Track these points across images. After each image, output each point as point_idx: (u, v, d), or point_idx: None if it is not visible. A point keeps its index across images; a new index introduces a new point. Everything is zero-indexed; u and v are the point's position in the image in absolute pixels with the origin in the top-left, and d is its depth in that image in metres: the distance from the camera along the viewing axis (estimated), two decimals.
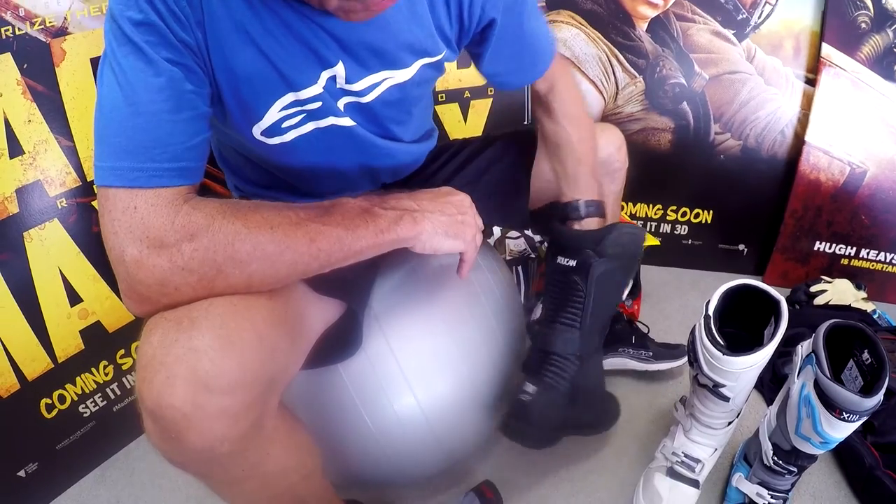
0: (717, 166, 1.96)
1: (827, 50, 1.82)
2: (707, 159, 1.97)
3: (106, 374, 1.55)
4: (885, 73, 1.83)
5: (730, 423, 1.38)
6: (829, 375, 1.11)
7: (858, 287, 1.89)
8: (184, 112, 0.73)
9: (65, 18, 1.35)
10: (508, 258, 1.77)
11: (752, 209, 2.00)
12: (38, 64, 1.32)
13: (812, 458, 1.27)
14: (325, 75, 0.87)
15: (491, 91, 1.90)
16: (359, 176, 1.08)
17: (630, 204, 2.05)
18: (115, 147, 0.71)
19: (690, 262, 2.10)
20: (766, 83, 1.89)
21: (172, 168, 0.72)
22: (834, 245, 1.97)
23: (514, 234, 1.79)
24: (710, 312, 1.23)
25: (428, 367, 1.13)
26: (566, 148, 1.18)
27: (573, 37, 1.90)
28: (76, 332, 1.48)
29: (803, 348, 1.17)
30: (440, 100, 1.89)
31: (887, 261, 1.96)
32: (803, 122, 1.89)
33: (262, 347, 0.73)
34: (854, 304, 1.84)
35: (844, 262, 1.98)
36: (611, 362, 1.66)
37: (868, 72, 1.83)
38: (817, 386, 1.13)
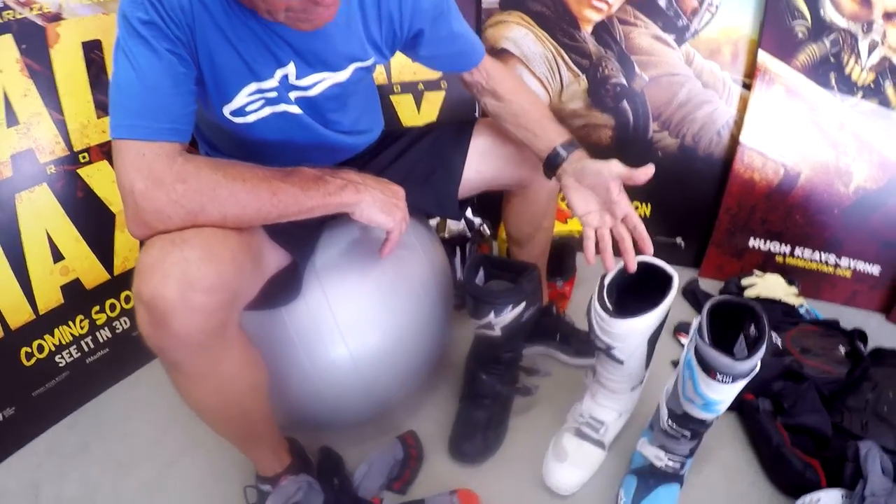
0: (656, 162, 1.82)
1: (763, 57, 1.77)
2: (646, 155, 1.93)
3: (82, 328, 1.58)
4: (820, 81, 1.77)
5: (633, 389, 1.36)
6: (707, 341, 1.09)
7: (790, 283, 1.82)
8: (180, 88, 0.90)
9: (59, 5, 1.42)
10: (447, 237, 1.74)
11: (689, 204, 1.95)
12: (34, 45, 1.39)
13: (701, 423, 1.23)
14: (279, 72, 1.01)
15: (444, 84, 1.89)
16: (305, 155, 1.15)
17: None
18: (130, 110, 0.86)
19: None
20: (704, 86, 1.84)
21: (172, 128, 0.88)
22: (769, 242, 1.90)
23: None
24: (606, 282, 1.22)
25: (359, 321, 1.19)
26: (523, 115, 1.24)
27: (522, 36, 1.88)
28: (57, 287, 1.52)
29: (695, 322, 1.14)
30: (395, 90, 1.89)
31: (821, 260, 1.88)
32: (739, 124, 1.84)
33: (234, 264, 0.89)
34: (784, 299, 1.77)
35: (779, 259, 1.91)
36: (536, 350, 1.64)
37: (804, 79, 1.77)
38: (698, 352, 1.11)
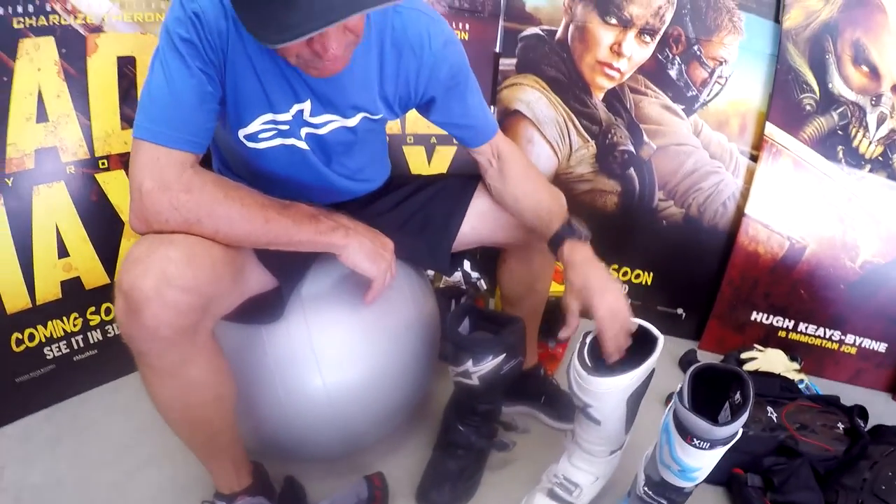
0: (660, 231, 1.90)
1: (770, 129, 1.76)
2: (650, 224, 1.92)
3: (74, 325, 1.59)
4: (828, 154, 1.75)
5: (612, 454, 1.31)
6: (686, 405, 1.05)
7: (793, 359, 1.76)
8: (204, 105, 0.95)
9: (102, 18, 1.48)
10: (442, 287, 1.72)
11: (691, 275, 1.92)
12: (73, 51, 1.46)
13: (679, 492, 1.18)
14: (296, 107, 1.05)
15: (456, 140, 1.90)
16: (306, 190, 1.18)
17: None
18: (155, 116, 0.92)
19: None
20: (711, 157, 1.84)
21: (190, 140, 0.93)
22: (771, 316, 1.85)
23: None
24: (588, 339, 1.20)
25: (337, 354, 1.19)
26: (524, 200, 1.26)
27: (536, 99, 1.90)
28: (58, 281, 1.54)
29: (679, 387, 1.11)
30: (408, 141, 1.91)
31: (826, 336, 1.82)
32: (745, 195, 1.82)
33: (213, 272, 0.92)
34: (783, 374, 1.70)
35: (782, 334, 1.85)
36: (519, 409, 1.59)
37: (811, 152, 1.76)
38: (676, 415, 1.07)
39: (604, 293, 1.13)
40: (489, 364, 1.24)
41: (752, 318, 1.87)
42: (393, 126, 1.88)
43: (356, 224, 1.11)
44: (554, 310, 1.72)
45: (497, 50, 1.90)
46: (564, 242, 1.18)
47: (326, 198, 1.25)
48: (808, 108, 1.74)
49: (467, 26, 1.86)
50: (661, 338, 1.17)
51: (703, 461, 1.08)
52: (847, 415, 1.55)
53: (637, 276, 1.95)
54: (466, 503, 1.36)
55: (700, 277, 1.91)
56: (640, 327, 1.19)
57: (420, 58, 1.09)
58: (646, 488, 1.19)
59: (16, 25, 1.35)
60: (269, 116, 1.05)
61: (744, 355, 1.76)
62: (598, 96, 1.86)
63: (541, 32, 1.86)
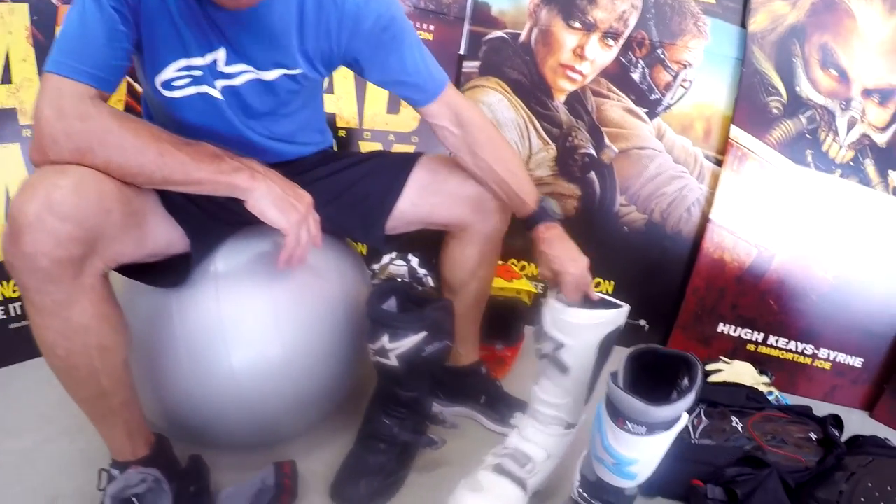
0: (621, 237, 1.75)
1: (736, 132, 1.64)
2: (611, 230, 1.78)
3: (14, 292, 1.51)
4: (796, 158, 1.64)
5: (567, 430, 1.15)
6: (619, 385, 0.91)
7: (763, 373, 1.56)
8: (112, 42, 0.91)
9: None
10: (384, 278, 1.57)
11: (655, 284, 1.76)
12: (44, 19, 1.44)
13: (618, 495, 1.01)
14: (210, 55, 1.00)
15: (415, 139, 1.79)
16: (228, 148, 1.07)
17: (532, 265, 1.81)
18: (63, 49, 0.89)
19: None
20: (675, 161, 1.72)
21: (93, 74, 0.89)
22: (739, 328, 1.68)
23: (399, 260, 1.59)
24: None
25: (249, 334, 1.08)
26: (493, 175, 1.17)
27: (497, 101, 1.79)
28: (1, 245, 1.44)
29: None
30: (365, 137, 1.81)
31: (798, 350, 1.65)
32: (710, 201, 1.68)
33: (100, 206, 0.86)
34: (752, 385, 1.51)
35: (751, 347, 1.68)
36: (457, 410, 1.41)
37: (778, 155, 1.64)
38: (608, 398, 0.93)
39: (574, 261, 1.14)
40: (408, 342, 1.08)
41: (719, 329, 1.70)
42: (351, 120, 1.78)
43: (267, 170, 1.00)
44: (505, 311, 1.57)
45: (461, 52, 1.80)
46: (540, 226, 1.16)
47: (253, 157, 1.12)
48: (774, 111, 1.63)
49: (432, 27, 1.77)
50: (624, 307, 1.10)
51: (639, 450, 0.91)
52: (820, 425, 1.36)
53: (597, 285, 1.77)
54: (385, 502, 1.17)
55: (664, 287, 1.75)
56: (606, 301, 1.13)
57: (341, 8, 1.01)
58: (580, 489, 1.02)
59: None
60: (183, 62, 0.99)
61: (709, 367, 1.57)
62: (560, 99, 1.75)
63: (505, 35, 1.77)
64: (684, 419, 0.91)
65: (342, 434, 1.27)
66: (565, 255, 1.14)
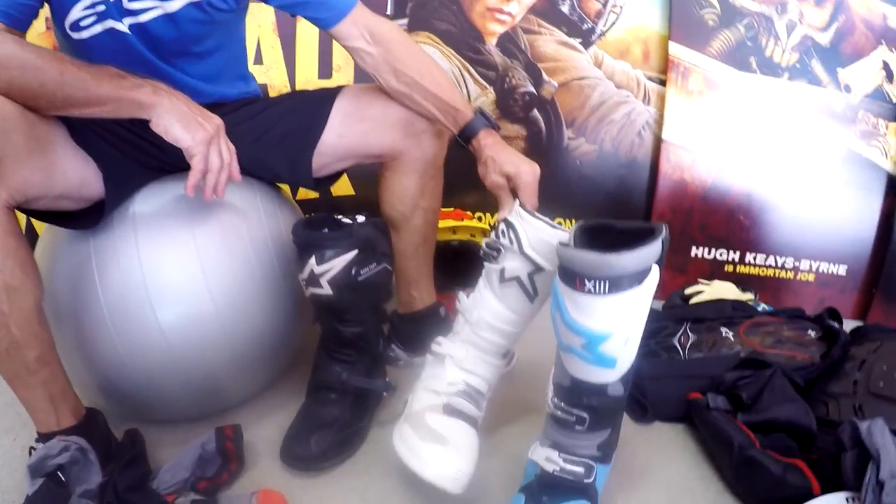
0: (575, 172, 1.60)
1: (675, 49, 1.51)
2: (564, 165, 1.62)
3: None
4: (740, 66, 1.52)
5: (504, 358, 0.98)
6: (570, 246, 0.74)
7: (745, 291, 1.38)
8: None
9: None
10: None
11: (618, 215, 1.54)
12: None
13: (599, 394, 0.81)
14: None
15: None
16: None
17: (488, 215, 1.62)
18: None
19: None
20: (617, 87, 1.57)
21: (4, 11, 0.85)
22: (713, 250, 1.52)
23: None
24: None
25: (172, 285, 0.94)
26: (420, 89, 1.04)
27: (430, 54, 1.61)
28: None
29: None
30: None
31: (778, 265, 1.48)
32: (660, 122, 1.53)
33: None
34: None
35: (728, 268, 1.52)
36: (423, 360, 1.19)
37: (722, 66, 1.51)
38: (561, 268, 0.74)
39: (523, 162, 1.00)
40: (338, 262, 0.91)
41: (693, 254, 1.53)
42: (282, 90, 1.62)
43: (173, 90, 0.92)
44: (461, 255, 1.38)
45: (388, 13, 1.66)
46: (480, 132, 1.02)
47: None
48: (710, 23, 1.51)
49: None
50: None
51: (608, 318, 0.72)
52: (816, 322, 1.18)
53: (559, 224, 1.60)
54: (344, 458, 0.96)
55: (628, 217, 1.56)
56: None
57: None
58: (555, 399, 0.82)
59: None
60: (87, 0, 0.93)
61: (688, 290, 1.40)
62: (492, 42, 1.61)
63: None
64: (655, 274, 0.72)
65: (296, 399, 1.06)
66: (515, 156, 1.01)
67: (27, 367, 0.88)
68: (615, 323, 0.72)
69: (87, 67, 0.87)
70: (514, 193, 0.97)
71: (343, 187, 1.63)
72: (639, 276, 0.70)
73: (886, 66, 1.50)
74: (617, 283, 0.69)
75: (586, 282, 0.69)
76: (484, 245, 0.92)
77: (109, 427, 0.98)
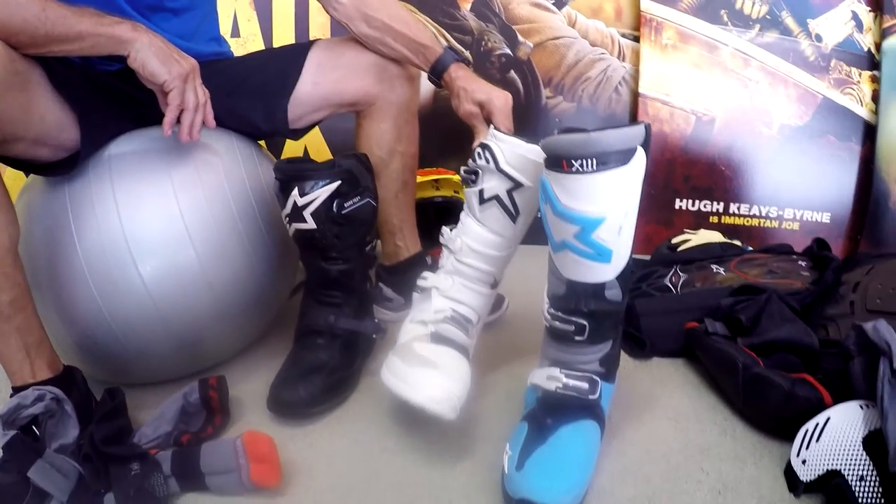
0: (554, 129, 1.52)
1: (646, 4, 1.49)
2: (543, 124, 1.59)
3: None
4: (711, 19, 1.50)
5: (493, 289, 0.91)
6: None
7: (732, 239, 1.34)
8: None
9: None
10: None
11: None
12: None
13: (596, 295, 0.74)
14: None
15: None
16: None
17: None
18: None
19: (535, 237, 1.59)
20: (592, 45, 1.54)
21: None
22: (697, 201, 1.48)
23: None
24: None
25: (152, 237, 0.89)
26: (391, 31, 1.03)
27: None
28: None
29: None
30: None
31: (762, 214, 1.44)
32: (636, 78, 1.49)
33: None
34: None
35: (713, 219, 1.49)
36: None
37: (693, 19, 1.48)
38: (547, 163, 0.71)
39: (494, 89, 0.99)
40: (321, 192, 0.86)
41: (677, 206, 1.49)
42: None
43: (151, 29, 0.90)
44: (446, 211, 1.34)
45: None
46: (450, 66, 1.01)
47: None
48: None
49: None
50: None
51: (600, 200, 0.68)
52: (805, 254, 1.15)
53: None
54: (335, 405, 0.90)
55: None
56: None
57: None
58: (552, 310, 0.76)
59: None
60: None
61: (675, 240, 1.36)
62: (466, 7, 1.58)
63: None
64: (642, 157, 0.68)
65: (283, 355, 0.98)
66: (486, 85, 1.00)
67: (1, 313, 0.83)
68: (606, 205, 0.67)
69: (70, 6, 0.86)
70: (489, 121, 0.95)
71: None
72: (625, 156, 0.66)
73: (855, 16, 1.49)
74: (603, 160, 0.65)
75: (573, 161, 0.65)
76: (462, 171, 0.87)
77: (89, 386, 0.91)
